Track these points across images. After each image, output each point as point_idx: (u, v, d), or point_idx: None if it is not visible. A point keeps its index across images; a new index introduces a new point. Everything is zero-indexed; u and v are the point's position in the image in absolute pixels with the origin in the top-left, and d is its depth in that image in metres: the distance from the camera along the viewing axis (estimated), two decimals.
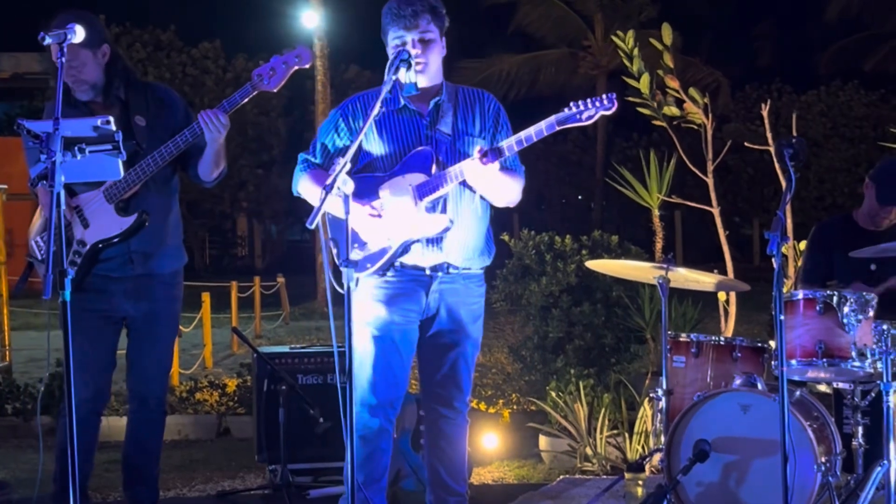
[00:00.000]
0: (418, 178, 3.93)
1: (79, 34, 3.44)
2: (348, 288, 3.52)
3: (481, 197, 4.06)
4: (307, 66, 4.30)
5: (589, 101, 3.77)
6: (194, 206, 27.87)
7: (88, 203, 4.39)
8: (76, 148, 3.25)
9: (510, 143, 3.83)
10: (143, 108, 4.42)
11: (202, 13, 28.42)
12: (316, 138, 4.15)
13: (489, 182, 3.95)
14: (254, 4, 26.55)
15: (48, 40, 3.43)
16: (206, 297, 11.38)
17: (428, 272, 4.01)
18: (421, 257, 3.98)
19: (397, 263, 3.99)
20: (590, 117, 3.77)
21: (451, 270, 4.03)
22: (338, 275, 3.95)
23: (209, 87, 24.61)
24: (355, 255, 3.94)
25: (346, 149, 4.01)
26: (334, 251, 3.97)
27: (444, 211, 3.96)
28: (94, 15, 4.36)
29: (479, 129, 4.07)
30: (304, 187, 4.10)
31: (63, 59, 3.37)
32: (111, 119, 3.38)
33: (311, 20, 16.83)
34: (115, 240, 4.37)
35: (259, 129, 25.16)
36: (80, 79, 4.37)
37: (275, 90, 4.25)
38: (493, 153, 3.82)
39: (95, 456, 4.76)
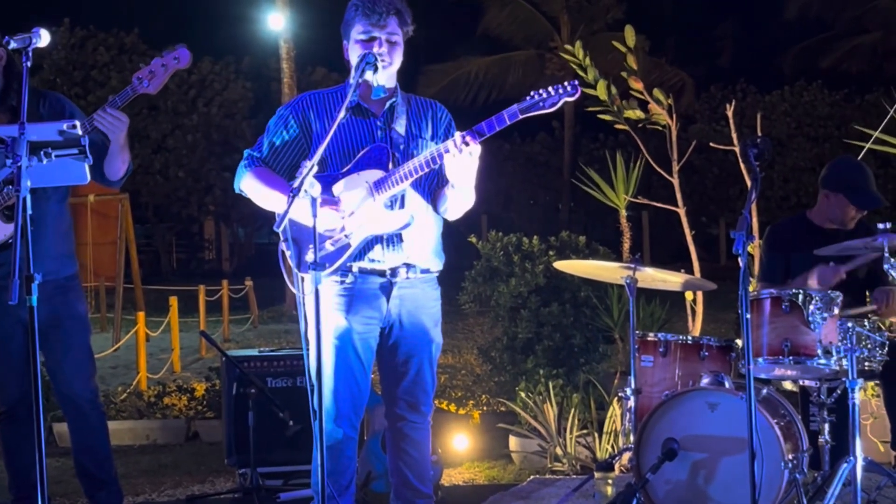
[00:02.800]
0: (375, 174, 3.87)
1: (44, 38, 3.41)
2: (317, 291, 3.51)
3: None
4: (185, 68, 4.20)
5: (551, 88, 3.71)
6: (161, 209, 27.72)
7: None
8: (42, 152, 3.23)
9: (472, 130, 3.73)
10: (35, 118, 4.17)
11: (166, 16, 28.26)
12: (263, 136, 4.08)
13: (469, 171, 3.80)
14: (219, 7, 26.41)
15: (13, 45, 3.40)
16: (173, 301, 11.34)
17: (388, 274, 3.95)
18: (381, 258, 3.93)
19: (356, 268, 3.93)
20: (553, 104, 3.70)
21: (410, 274, 3.98)
22: (292, 277, 3.93)
23: (172, 90, 24.48)
24: (310, 255, 3.87)
25: (290, 144, 4.00)
26: (288, 253, 3.94)
27: (402, 208, 3.93)
28: None
29: (431, 135, 4.05)
30: (249, 185, 4.03)
31: (28, 64, 3.34)
32: (77, 123, 3.35)
33: (276, 22, 16.78)
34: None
35: (225, 133, 25.05)
36: None
37: (154, 92, 4.14)
38: (472, 133, 3.71)
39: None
